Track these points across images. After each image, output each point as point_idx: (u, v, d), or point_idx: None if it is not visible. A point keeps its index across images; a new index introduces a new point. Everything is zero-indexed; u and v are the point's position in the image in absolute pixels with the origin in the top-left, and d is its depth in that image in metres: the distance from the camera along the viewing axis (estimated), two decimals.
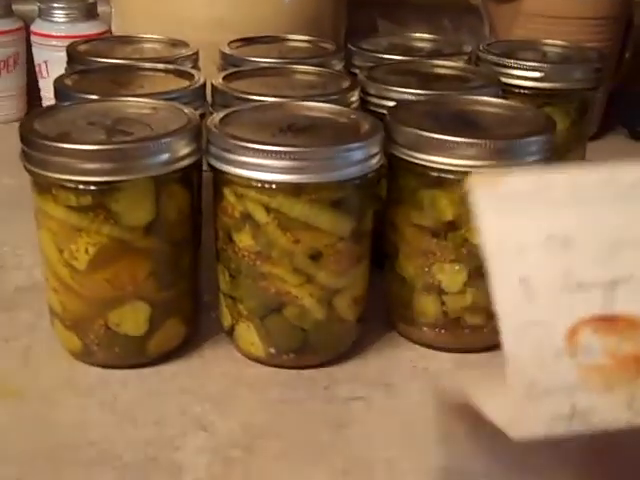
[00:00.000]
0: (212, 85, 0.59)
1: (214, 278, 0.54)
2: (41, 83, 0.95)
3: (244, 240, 0.50)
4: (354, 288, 0.52)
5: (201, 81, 0.59)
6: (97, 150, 0.46)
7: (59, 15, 0.92)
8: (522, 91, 0.68)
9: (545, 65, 0.68)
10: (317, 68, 0.63)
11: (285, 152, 0.47)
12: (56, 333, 0.53)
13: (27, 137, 0.48)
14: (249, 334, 0.52)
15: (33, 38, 0.94)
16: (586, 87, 0.70)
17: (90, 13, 0.94)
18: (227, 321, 0.54)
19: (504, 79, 0.66)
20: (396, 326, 0.57)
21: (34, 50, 0.94)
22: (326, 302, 0.51)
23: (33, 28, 0.94)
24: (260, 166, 0.47)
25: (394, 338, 0.57)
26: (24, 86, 0.98)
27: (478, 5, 0.97)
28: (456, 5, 1.02)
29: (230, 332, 0.54)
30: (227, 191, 0.50)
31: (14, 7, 0.95)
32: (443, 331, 0.54)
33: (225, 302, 0.53)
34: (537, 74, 0.68)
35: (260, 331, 0.52)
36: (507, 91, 0.65)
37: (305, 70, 0.63)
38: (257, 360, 0.53)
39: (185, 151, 0.49)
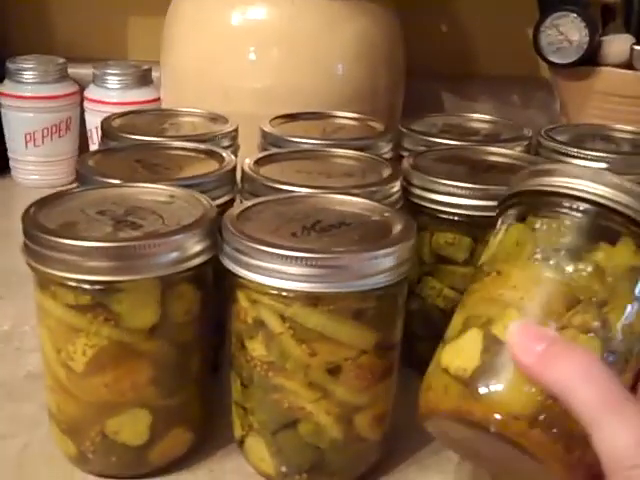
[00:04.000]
0: (242, 170, 0.55)
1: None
2: (92, 149, 0.93)
3: (257, 349, 0.45)
4: (377, 405, 0.47)
5: (231, 165, 0.55)
6: (98, 247, 0.42)
7: (112, 81, 0.90)
8: None
9: (613, 155, 0.61)
10: (358, 153, 0.59)
11: (302, 258, 0.42)
12: (52, 435, 0.49)
13: (27, 229, 0.44)
14: (259, 449, 0.47)
15: (86, 104, 0.92)
16: None
17: (145, 79, 0.91)
18: (238, 432, 0.49)
19: None
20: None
21: (86, 116, 0.93)
22: (344, 420, 0.46)
23: (86, 94, 0.92)
24: (275, 271, 0.43)
25: (424, 459, 0.51)
26: (75, 151, 0.96)
27: (549, 80, 0.91)
28: (526, 79, 0.97)
29: (240, 444, 0.49)
30: (240, 295, 0.45)
31: (70, 70, 0.94)
32: None
33: (236, 411, 0.49)
34: (602, 165, 0.61)
35: (271, 447, 0.47)
36: None
37: (344, 154, 0.59)
38: (267, 477, 0.48)
39: (197, 249, 0.45)
